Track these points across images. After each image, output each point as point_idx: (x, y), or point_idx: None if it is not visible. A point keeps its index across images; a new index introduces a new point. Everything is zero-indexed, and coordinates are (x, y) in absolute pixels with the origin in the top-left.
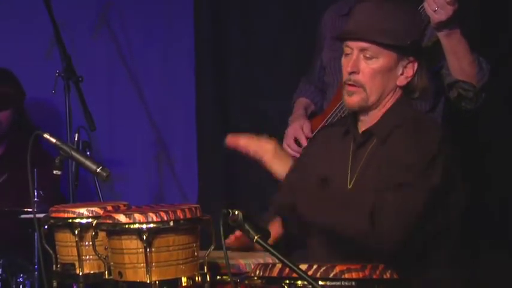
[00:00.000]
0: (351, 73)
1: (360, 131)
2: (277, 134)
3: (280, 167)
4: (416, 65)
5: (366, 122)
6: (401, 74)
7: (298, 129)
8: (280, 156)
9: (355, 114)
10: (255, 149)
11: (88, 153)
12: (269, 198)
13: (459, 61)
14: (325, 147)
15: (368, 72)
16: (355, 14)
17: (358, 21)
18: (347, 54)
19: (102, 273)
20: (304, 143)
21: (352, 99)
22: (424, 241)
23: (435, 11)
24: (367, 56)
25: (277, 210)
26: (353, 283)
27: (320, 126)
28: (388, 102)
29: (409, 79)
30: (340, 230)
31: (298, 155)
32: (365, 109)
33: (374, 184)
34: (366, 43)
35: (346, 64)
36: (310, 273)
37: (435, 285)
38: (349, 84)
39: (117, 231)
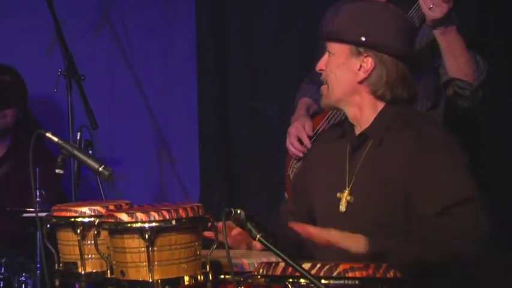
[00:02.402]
0: (320, 71)
1: (356, 134)
2: (277, 134)
3: (351, 246)
4: (373, 61)
5: (358, 125)
6: (359, 70)
7: (301, 128)
8: (345, 237)
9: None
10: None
11: (90, 152)
12: (269, 196)
13: (456, 59)
14: (323, 150)
15: (328, 68)
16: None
17: (327, 23)
18: None
19: (105, 272)
20: (306, 141)
21: (322, 97)
22: None
23: (430, 8)
24: (330, 52)
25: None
26: (356, 282)
27: (320, 125)
28: (364, 103)
29: (366, 75)
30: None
31: (301, 154)
32: (332, 107)
33: (375, 189)
34: (326, 41)
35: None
36: (313, 272)
37: None
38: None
39: (119, 230)
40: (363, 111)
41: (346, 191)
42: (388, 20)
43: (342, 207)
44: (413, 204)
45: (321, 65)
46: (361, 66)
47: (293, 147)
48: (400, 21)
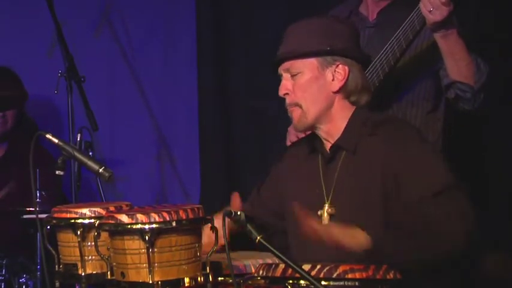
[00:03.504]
0: (284, 95)
1: (327, 148)
2: (277, 134)
3: (352, 243)
4: (346, 67)
5: (330, 139)
6: (333, 80)
7: None
8: (346, 231)
9: (318, 135)
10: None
11: (90, 153)
12: None
13: (456, 62)
14: (294, 168)
15: (297, 89)
16: (280, 43)
17: (280, 48)
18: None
19: (105, 274)
20: None
21: (294, 121)
22: None
23: (430, 11)
24: (293, 74)
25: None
26: (356, 283)
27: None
28: (337, 113)
29: (342, 83)
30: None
31: None
32: (310, 127)
33: (359, 197)
34: (287, 62)
35: (279, 90)
36: (313, 273)
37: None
38: (290, 110)
39: (119, 231)
40: (335, 123)
41: (326, 205)
42: (343, 28)
43: (325, 222)
44: (397, 196)
45: (284, 88)
46: (333, 75)
47: None
48: (352, 28)
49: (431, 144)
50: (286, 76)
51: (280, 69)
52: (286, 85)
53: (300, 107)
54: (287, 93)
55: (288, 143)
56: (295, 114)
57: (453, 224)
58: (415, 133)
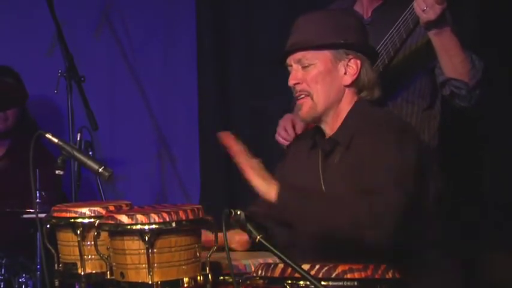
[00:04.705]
0: (295, 85)
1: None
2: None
3: (262, 187)
4: (358, 61)
5: (329, 131)
6: (345, 74)
7: (288, 119)
8: (263, 176)
9: (320, 128)
10: (241, 161)
11: (90, 153)
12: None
13: (451, 59)
14: (295, 162)
15: (310, 79)
16: (290, 33)
17: (290, 38)
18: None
19: (104, 273)
20: (290, 131)
21: (302, 111)
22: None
23: (424, 10)
24: (305, 65)
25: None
26: (355, 283)
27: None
28: (344, 108)
29: (354, 77)
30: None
31: (286, 143)
32: (317, 119)
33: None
34: (299, 53)
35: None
36: (312, 273)
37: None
38: (299, 98)
39: (119, 232)
40: (341, 118)
41: None
42: (354, 22)
43: None
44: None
45: (294, 78)
46: (345, 69)
47: (280, 136)
48: (360, 22)
49: (406, 149)
50: (296, 67)
51: (290, 60)
52: (296, 75)
53: (311, 97)
54: (298, 83)
55: (276, 135)
56: (305, 104)
57: (362, 222)
58: (393, 137)
